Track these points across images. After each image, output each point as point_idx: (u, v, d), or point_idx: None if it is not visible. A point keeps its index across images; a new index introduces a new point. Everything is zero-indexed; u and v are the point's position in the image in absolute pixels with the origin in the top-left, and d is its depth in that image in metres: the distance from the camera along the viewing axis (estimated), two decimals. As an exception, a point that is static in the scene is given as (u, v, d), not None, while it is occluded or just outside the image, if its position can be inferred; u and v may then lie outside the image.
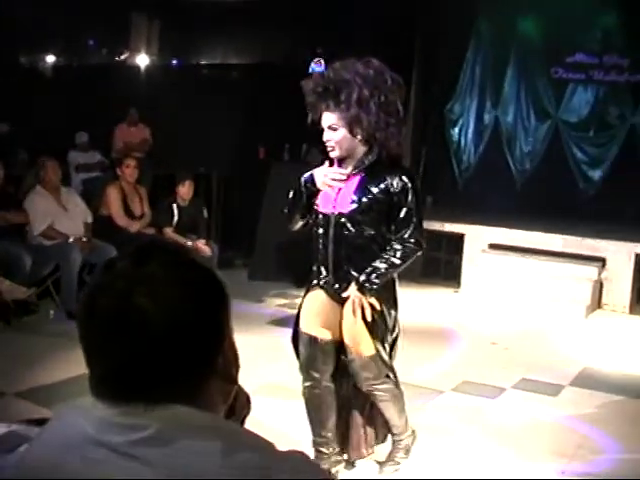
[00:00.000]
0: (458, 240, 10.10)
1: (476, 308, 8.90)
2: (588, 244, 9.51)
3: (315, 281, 4.15)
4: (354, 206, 3.96)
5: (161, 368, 1.14)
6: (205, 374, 1.18)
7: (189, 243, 8.38)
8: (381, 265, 3.92)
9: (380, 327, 4.02)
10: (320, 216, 4.07)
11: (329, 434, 4.33)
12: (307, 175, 4.11)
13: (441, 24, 11.82)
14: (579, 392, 6.15)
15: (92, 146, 11.73)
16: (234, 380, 1.27)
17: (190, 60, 14.88)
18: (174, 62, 15.07)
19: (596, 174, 11.66)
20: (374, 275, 3.91)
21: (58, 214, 7.81)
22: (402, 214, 3.95)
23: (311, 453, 4.27)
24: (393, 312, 4.08)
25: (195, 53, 14.93)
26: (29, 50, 15.42)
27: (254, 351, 6.42)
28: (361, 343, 4.01)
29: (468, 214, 10.56)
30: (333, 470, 4.32)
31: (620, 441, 5.14)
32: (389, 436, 4.48)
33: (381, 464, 4.49)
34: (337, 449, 4.37)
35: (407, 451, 4.47)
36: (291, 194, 4.18)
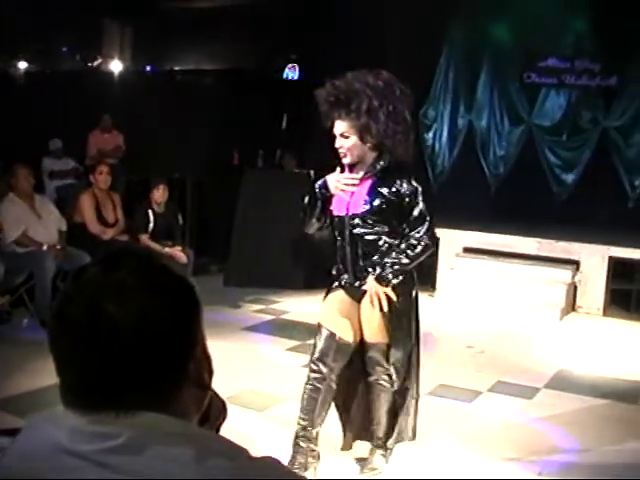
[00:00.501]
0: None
1: (451, 312, 8.92)
2: (562, 247, 9.57)
3: (336, 282, 4.38)
4: (367, 207, 4.20)
5: (132, 375, 1.13)
6: (177, 381, 1.18)
7: (165, 250, 8.33)
8: (398, 258, 4.15)
9: (397, 317, 4.25)
10: (335, 219, 4.31)
11: (314, 432, 4.41)
12: (321, 181, 4.29)
13: (414, 30, 11.85)
14: (554, 394, 6.18)
15: (66, 153, 11.65)
16: (207, 387, 1.27)
17: (164, 66, 14.85)
18: (147, 68, 15.04)
19: (569, 178, 11.74)
20: (392, 268, 4.13)
21: (32, 222, 7.74)
22: (415, 213, 4.20)
23: (285, 459, 4.27)
24: (410, 302, 4.34)
25: (168, 59, 14.90)
26: (1, 57, 15.31)
27: (229, 357, 6.41)
28: (378, 331, 4.25)
29: (442, 218, 10.51)
30: (310, 468, 4.37)
31: (596, 442, 5.18)
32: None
33: (361, 467, 4.51)
34: (315, 449, 4.43)
35: (386, 457, 4.50)
36: (306, 199, 4.33)
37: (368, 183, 4.21)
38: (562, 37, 11.68)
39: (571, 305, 9.33)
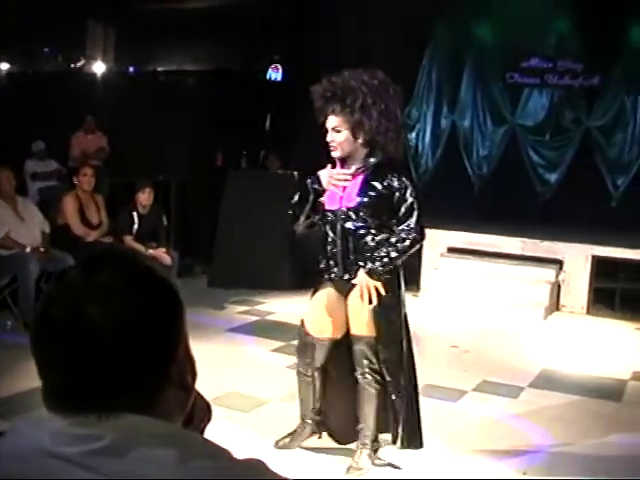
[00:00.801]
0: (417, 244, 10.11)
1: (436, 312, 8.94)
2: (546, 246, 9.61)
3: (326, 276, 4.48)
4: (360, 200, 4.32)
5: (114, 377, 1.12)
6: (160, 383, 1.17)
7: (150, 251, 8.30)
8: (388, 251, 4.28)
9: (385, 312, 4.37)
10: (327, 213, 4.41)
11: (308, 419, 4.69)
12: (312, 177, 4.40)
13: (398, 30, 11.87)
14: (539, 393, 6.21)
15: (49, 154, 11.59)
16: (190, 388, 1.26)
17: (147, 67, 14.80)
18: (131, 69, 14.98)
19: (553, 177, 11.80)
20: (381, 262, 4.27)
21: (15, 224, 7.70)
22: (405, 206, 4.34)
23: (269, 461, 4.25)
24: (398, 296, 4.46)
25: (152, 60, 14.86)
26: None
27: (214, 359, 6.40)
28: (366, 325, 4.35)
29: (426, 218, 10.50)
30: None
31: (580, 440, 5.20)
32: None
33: (348, 468, 4.51)
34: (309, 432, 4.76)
35: (372, 458, 4.51)
36: (296, 197, 4.43)
37: (360, 178, 4.34)
38: (545, 37, 11.73)
39: (555, 304, 9.36)
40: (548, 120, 11.84)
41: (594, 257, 9.31)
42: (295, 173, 9.44)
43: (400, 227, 4.34)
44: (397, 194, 4.32)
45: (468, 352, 7.39)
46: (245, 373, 6.21)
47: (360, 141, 4.30)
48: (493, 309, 8.86)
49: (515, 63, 11.92)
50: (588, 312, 9.29)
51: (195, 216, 11.05)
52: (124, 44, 15.18)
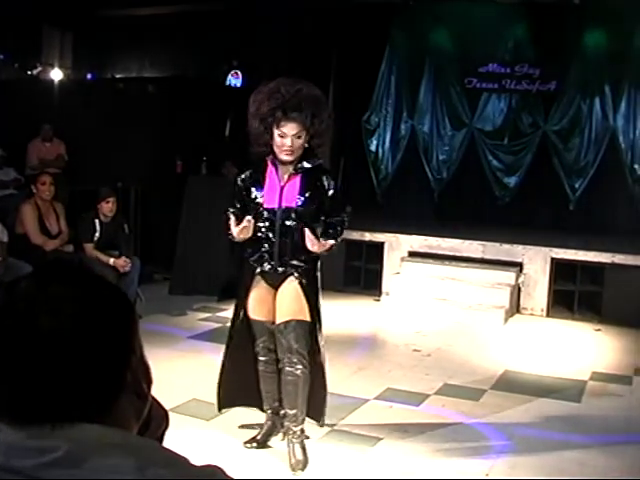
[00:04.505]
0: (378, 249, 10.17)
1: (397, 316, 8.98)
2: (506, 250, 9.68)
3: (259, 269, 4.68)
4: (300, 200, 4.60)
5: (67, 387, 1.11)
6: (114, 391, 1.16)
7: (111, 260, 8.19)
8: (334, 231, 4.67)
9: (312, 302, 4.66)
10: (264, 211, 4.62)
11: (269, 409, 4.92)
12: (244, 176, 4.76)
13: (356, 36, 11.92)
14: (500, 395, 6.24)
15: (6, 163, 11.45)
16: (146, 395, 1.25)
17: (105, 74, 14.70)
18: (88, 76, 14.86)
19: (511, 181, 11.92)
20: (332, 235, 4.65)
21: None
22: (334, 200, 4.69)
23: (231, 468, 4.25)
24: (316, 294, 4.74)
25: (110, 67, 14.77)
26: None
27: (175, 366, 6.36)
28: (301, 310, 4.60)
29: (387, 223, 10.66)
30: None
31: (539, 440, 5.25)
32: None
33: (294, 467, 4.60)
34: (271, 421, 4.94)
35: (305, 448, 4.66)
36: (231, 219, 4.60)
37: (297, 179, 4.62)
38: (502, 43, 11.87)
39: (515, 307, 9.44)
40: (506, 124, 11.97)
41: (553, 260, 9.40)
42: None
43: (332, 216, 4.69)
44: (329, 192, 4.66)
45: (430, 355, 7.43)
46: (206, 380, 6.17)
47: (306, 145, 4.59)
48: (454, 312, 8.92)
49: (473, 68, 12.04)
50: (548, 314, 9.38)
51: (155, 223, 10.99)
52: (82, 51, 15.07)
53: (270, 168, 4.64)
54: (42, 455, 1.08)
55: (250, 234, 4.54)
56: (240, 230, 4.50)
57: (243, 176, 4.73)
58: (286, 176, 4.60)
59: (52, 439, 1.10)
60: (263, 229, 4.61)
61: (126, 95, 12.27)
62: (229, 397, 5.03)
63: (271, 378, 4.81)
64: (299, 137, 4.51)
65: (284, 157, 4.55)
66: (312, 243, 4.50)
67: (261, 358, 4.80)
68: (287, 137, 4.49)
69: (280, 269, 4.63)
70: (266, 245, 4.63)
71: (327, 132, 4.65)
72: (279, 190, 4.59)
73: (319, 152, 4.72)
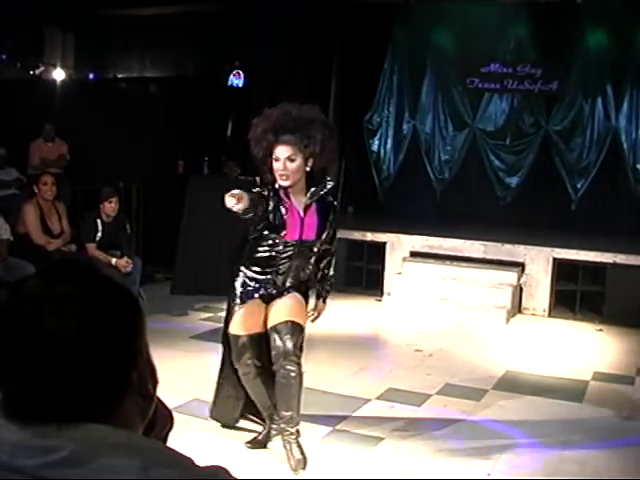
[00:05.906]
0: (380, 249, 10.17)
1: (399, 316, 8.98)
2: (507, 250, 9.68)
3: (262, 291, 4.69)
4: (318, 236, 4.68)
5: (73, 387, 1.11)
6: (120, 391, 1.16)
7: (113, 260, 8.19)
8: (330, 278, 4.97)
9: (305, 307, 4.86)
10: (289, 244, 4.61)
11: (265, 415, 4.93)
12: (267, 189, 4.61)
13: (357, 36, 11.92)
14: (502, 395, 6.24)
15: (8, 163, 11.45)
16: (151, 396, 1.25)
17: (107, 74, 14.69)
18: (90, 76, 14.85)
19: (513, 181, 11.91)
20: (330, 288, 4.97)
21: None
22: (333, 232, 4.83)
23: (233, 468, 4.25)
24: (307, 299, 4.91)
25: (111, 67, 14.75)
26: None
27: (177, 367, 6.37)
28: (298, 312, 4.70)
29: (389, 223, 10.66)
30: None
31: (541, 440, 5.25)
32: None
33: (294, 467, 4.58)
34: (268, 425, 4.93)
35: (300, 448, 4.63)
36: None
37: (314, 208, 4.65)
38: (504, 43, 11.85)
39: (517, 307, 9.44)
40: (508, 124, 11.96)
41: (555, 259, 9.39)
42: (257, 179, 9.38)
43: (327, 247, 4.84)
44: (334, 222, 4.80)
45: (431, 356, 7.42)
46: (208, 381, 6.17)
47: (307, 169, 4.56)
48: (456, 312, 8.91)
49: (475, 68, 12.02)
50: (550, 314, 9.37)
51: (157, 223, 10.99)
52: (83, 51, 15.05)
53: (285, 200, 4.58)
54: (47, 455, 1.09)
55: (247, 204, 4.33)
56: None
57: (266, 192, 4.55)
58: (302, 206, 4.60)
59: (57, 439, 1.10)
60: (281, 254, 4.64)
61: (128, 95, 12.27)
62: (229, 414, 5.14)
63: (259, 387, 4.82)
64: (292, 160, 4.48)
65: (281, 182, 4.52)
66: (314, 319, 4.93)
67: (244, 374, 4.80)
68: (280, 160, 4.48)
69: (287, 284, 4.72)
70: (277, 265, 4.66)
71: (326, 154, 4.61)
72: (299, 223, 4.60)
73: (329, 172, 4.77)
